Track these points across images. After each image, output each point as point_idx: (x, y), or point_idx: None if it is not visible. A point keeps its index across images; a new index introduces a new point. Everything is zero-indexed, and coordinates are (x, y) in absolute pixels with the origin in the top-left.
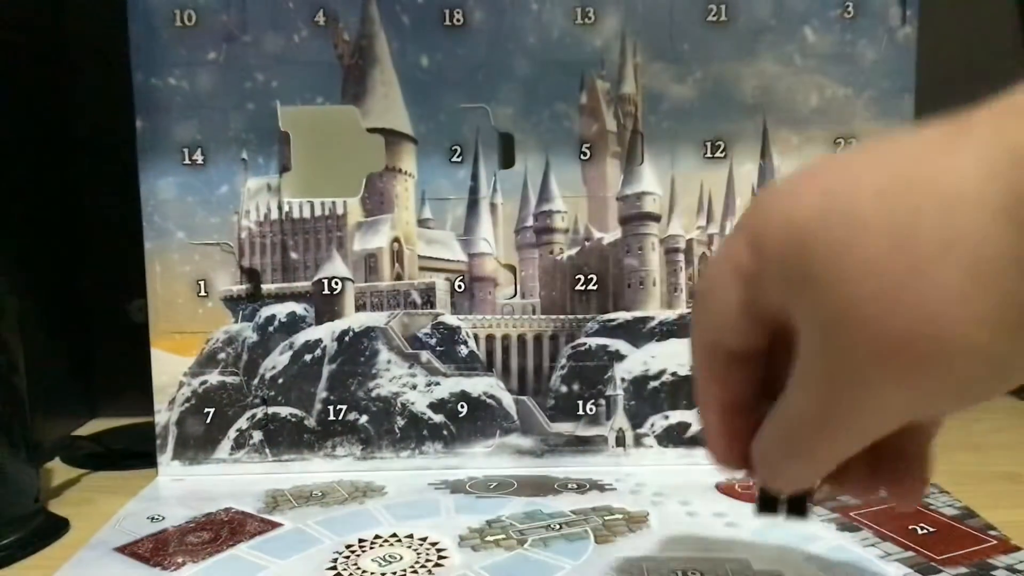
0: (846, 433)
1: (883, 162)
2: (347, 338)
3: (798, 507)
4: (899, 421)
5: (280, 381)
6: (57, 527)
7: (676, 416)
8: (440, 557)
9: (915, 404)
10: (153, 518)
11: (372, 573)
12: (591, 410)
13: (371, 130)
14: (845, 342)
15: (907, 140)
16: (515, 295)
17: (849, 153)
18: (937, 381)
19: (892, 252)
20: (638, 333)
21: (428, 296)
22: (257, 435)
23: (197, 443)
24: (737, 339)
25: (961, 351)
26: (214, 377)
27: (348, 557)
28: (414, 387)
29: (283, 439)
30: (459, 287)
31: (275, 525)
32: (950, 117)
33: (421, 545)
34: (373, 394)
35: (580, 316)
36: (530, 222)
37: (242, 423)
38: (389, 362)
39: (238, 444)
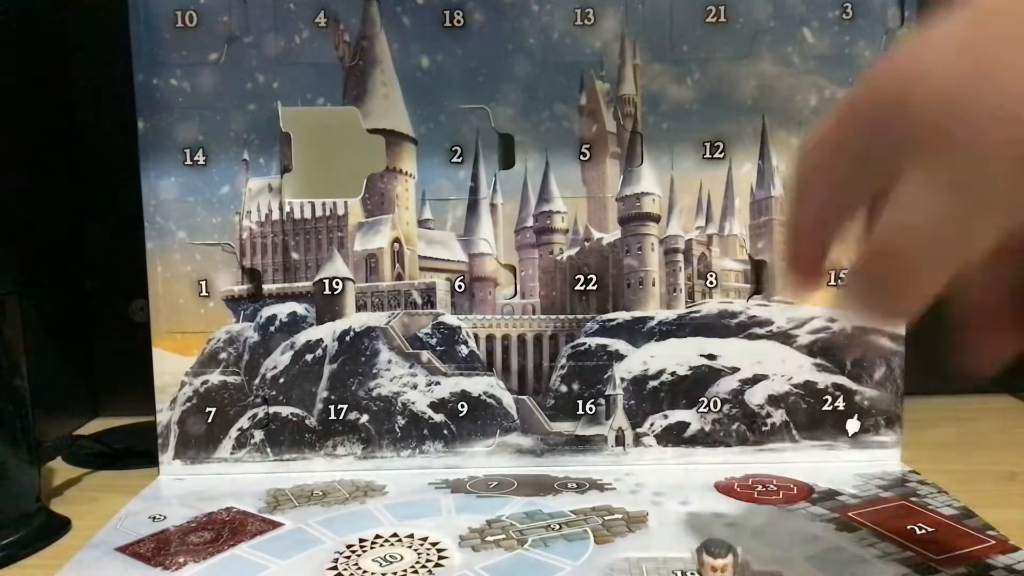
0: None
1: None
2: (348, 338)
3: None
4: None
5: (281, 381)
6: (59, 526)
7: (675, 416)
8: (440, 557)
9: None
10: (154, 517)
11: (373, 573)
12: (591, 410)
13: (372, 131)
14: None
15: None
16: (515, 295)
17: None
18: None
19: None
20: (637, 333)
21: (428, 296)
22: (258, 434)
23: (198, 442)
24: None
25: None
26: (215, 377)
27: (349, 557)
28: (415, 387)
29: (284, 438)
30: (459, 287)
31: (276, 525)
32: None
33: (422, 545)
34: (374, 394)
35: (580, 316)
36: (530, 222)
37: (243, 422)
38: (390, 362)
39: (239, 443)
